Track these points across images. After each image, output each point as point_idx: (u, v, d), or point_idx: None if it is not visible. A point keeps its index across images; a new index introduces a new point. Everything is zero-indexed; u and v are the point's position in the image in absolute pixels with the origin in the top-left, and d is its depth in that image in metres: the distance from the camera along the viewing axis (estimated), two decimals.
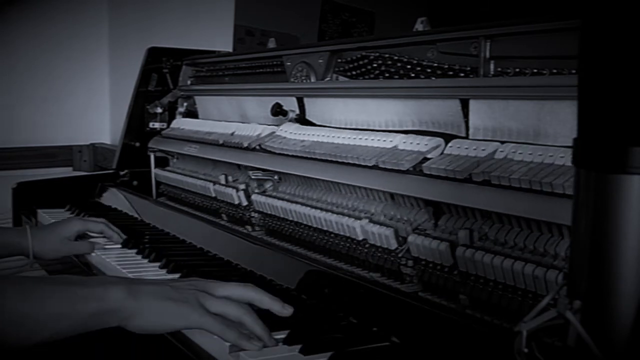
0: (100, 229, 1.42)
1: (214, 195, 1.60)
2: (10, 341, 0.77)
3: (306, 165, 1.31)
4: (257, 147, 1.49)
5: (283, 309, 0.88)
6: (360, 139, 1.22)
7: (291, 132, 1.42)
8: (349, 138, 1.25)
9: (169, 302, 0.84)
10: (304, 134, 1.38)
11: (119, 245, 1.39)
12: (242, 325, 0.85)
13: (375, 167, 1.13)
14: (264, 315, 0.87)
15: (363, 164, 1.16)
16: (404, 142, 1.13)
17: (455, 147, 1.04)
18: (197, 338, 0.88)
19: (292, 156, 1.36)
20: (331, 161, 1.24)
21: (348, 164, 1.20)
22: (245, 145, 1.52)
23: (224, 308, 0.86)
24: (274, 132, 1.48)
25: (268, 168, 1.45)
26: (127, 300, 0.83)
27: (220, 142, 1.62)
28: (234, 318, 0.86)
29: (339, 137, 1.28)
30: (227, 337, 0.83)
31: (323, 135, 1.32)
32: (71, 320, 0.80)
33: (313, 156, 1.29)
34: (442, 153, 1.06)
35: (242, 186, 1.52)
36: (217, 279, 0.98)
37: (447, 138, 1.09)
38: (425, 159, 1.06)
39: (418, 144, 1.10)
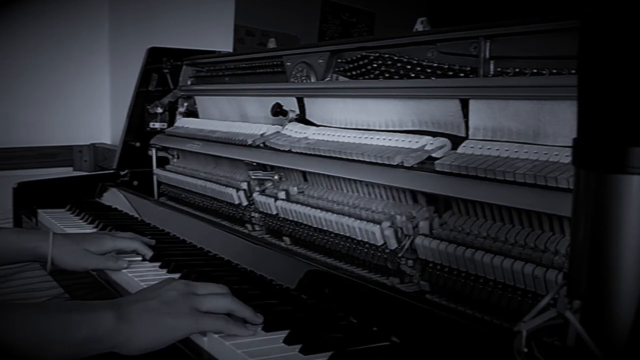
0: (134, 247, 1.27)
1: (217, 196, 1.59)
2: None
3: (311, 162, 1.31)
4: (262, 145, 1.49)
5: (255, 318, 0.89)
6: (366, 137, 1.23)
7: (296, 131, 1.42)
8: (353, 137, 1.25)
9: (164, 317, 0.85)
10: (308, 133, 1.38)
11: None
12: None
13: (378, 164, 1.13)
14: (265, 312, 0.91)
15: (367, 159, 1.16)
16: (410, 141, 1.13)
17: (469, 147, 1.03)
18: (199, 340, 0.89)
19: (297, 153, 1.36)
20: (336, 157, 1.24)
21: (353, 160, 1.20)
22: (250, 142, 1.52)
23: (213, 304, 0.89)
24: (278, 131, 1.48)
25: (272, 164, 1.45)
26: (119, 324, 0.82)
27: (225, 138, 1.62)
28: (223, 310, 0.88)
29: (343, 136, 1.28)
30: (231, 331, 0.85)
31: (327, 134, 1.33)
32: (62, 348, 0.80)
33: (317, 153, 1.29)
34: (454, 152, 1.05)
35: (243, 185, 1.52)
36: (217, 279, 0.99)
37: (447, 138, 1.09)
38: (431, 158, 1.06)
39: (423, 143, 1.10)
